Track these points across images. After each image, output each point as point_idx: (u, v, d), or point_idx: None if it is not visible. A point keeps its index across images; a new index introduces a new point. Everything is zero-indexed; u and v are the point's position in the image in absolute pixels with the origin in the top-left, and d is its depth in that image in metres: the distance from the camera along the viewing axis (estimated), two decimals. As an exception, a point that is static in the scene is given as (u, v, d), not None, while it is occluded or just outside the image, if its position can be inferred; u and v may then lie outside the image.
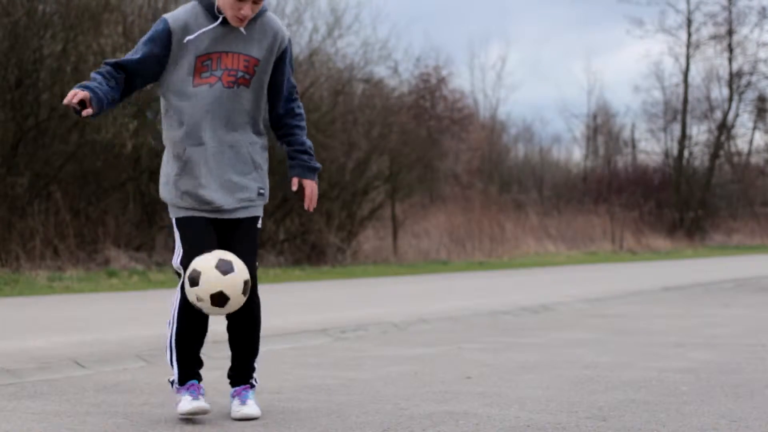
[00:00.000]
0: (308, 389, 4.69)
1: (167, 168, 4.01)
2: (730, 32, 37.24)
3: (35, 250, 14.06)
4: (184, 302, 3.92)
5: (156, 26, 3.93)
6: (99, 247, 15.05)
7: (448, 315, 8.71)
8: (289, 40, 4.07)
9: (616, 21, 59.95)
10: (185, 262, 3.87)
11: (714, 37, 37.53)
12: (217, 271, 3.70)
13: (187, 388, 3.98)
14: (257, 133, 4.04)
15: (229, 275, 3.71)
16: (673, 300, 11.08)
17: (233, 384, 4.07)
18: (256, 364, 4.10)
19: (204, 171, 3.92)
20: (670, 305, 10.27)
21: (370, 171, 20.36)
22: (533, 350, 6.29)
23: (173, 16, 3.92)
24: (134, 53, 3.94)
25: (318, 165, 4.12)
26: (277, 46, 3.99)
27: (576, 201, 33.14)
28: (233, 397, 4.04)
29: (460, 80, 53.51)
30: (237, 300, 3.76)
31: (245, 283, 3.77)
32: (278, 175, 18.15)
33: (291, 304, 9.60)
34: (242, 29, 3.91)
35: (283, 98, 4.06)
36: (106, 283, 12.57)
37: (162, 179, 4.03)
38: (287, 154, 4.12)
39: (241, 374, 4.06)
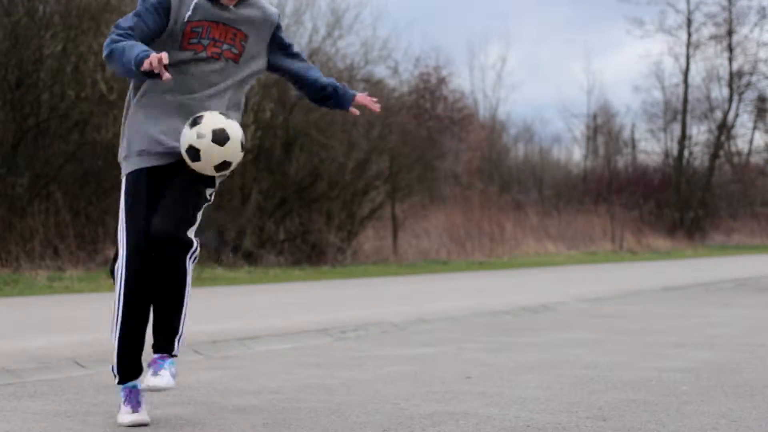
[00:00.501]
0: (308, 389, 4.70)
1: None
2: (730, 32, 37.25)
3: (35, 250, 14.06)
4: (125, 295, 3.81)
5: None
6: (99, 247, 15.04)
7: (448, 315, 8.71)
8: (279, 16, 4.10)
9: (615, 21, 59.98)
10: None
11: (714, 37, 37.55)
12: (215, 145, 3.70)
13: (127, 396, 3.86)
14: (237, 106, 4.02)
15: (227, 144, 3.71)
16: (673, 300, 11.08)
17: (153, 350, 3.83)
18: (183, 330, 3.86)
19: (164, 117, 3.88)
20: (670, 305, 10.27)
21: (370, 171, 20.37)
22: (533, 350, 6.29)
23: None
24: (138, 20, 3.84)
25: (349, 89, 4.26)
26: (267, 25, 4.02)
27: (576, 201, 33.14)
28: (149, 366, 3.81)
29: (460, 80, 53.49)
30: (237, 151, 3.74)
31: (243, 140, 3.77)
32: (278, 176, 18.21)
33: (291, 304, 9.60)
34: (231, 6, 3.92)
35: (294, 58, 4.14)
36: (106, 283, 12.56)
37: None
38: (325, 95, 4.20)
39: (162, 341, 3.82)
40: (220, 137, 3.70)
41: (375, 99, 4.27)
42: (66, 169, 15.22)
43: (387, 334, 7.42)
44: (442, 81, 32.55)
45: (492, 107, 37.99)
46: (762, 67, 37.62)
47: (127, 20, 3.85)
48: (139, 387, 3.86)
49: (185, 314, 3.86)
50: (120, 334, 3.85)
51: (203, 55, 3.89)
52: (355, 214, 20.11)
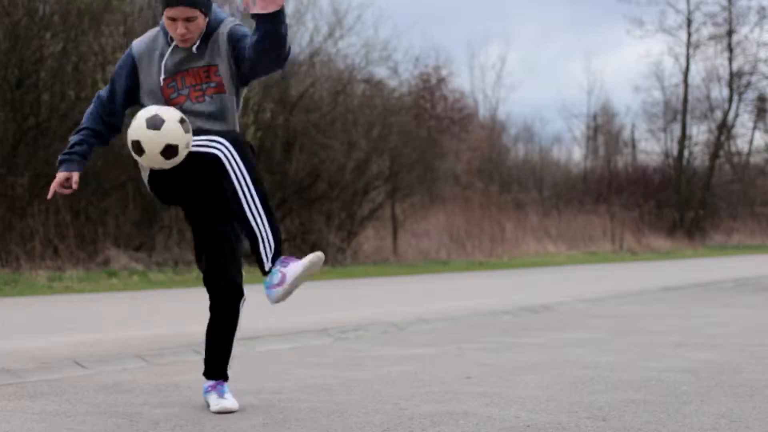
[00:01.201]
0: (308, 389, 4.69)
1: None
2: (730, 32, 37.25)
3: (35, 250, 14.06)
4: None
5: (123, 56, 4.09)
6: (99, 247, 15.05)
7: (448, 315, 8.71)
8: (231, 26, 4.00)
9: (615, 21, 59.97)
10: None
11: (714, 37, 37.55)
12: (151, 131, 3.76)
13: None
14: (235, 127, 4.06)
15: (163, 126, 3.75)
16: (673, 300, 11.08)
17: (208, 377, 4.27)
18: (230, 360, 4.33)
19: None
20: (670, 305, 10.27)
21: (370, 171, 20.37)
22: (533, 350, 6.29)
23: (137, 44, 4.06)
24: (107, 91, 4.13)
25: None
26: (229, 41, 3.97)
27: (576, 201, 33.14)
28: (208, 391, 4.24)
29: (460, 80, 53.52)
30: (184, 140, 3.78)
31: (181, 122, 3.78)
32: (278, 176, 18.21)
33: (291, 304, 9.56)
34: (193, 49, 3.96)
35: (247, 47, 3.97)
36: (106, 283, 12.57)
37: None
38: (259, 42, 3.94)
39: (217, 367, 4.29)
40: (154, 122, 3.74)
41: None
42: (66, 169, 15.20)
43: (387, 334, 7.42)
44: (442, 81, 32.57)
45: (492, 107, 38.01)
46: (762, 67, 37.64)
47: (104, 90, 4.15)
48: (211, 408, 4.16)
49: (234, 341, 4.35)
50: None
51: (188, 104, 3.96)
52: (355, 214, 20.11)
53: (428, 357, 5.97)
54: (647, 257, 26.18)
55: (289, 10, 18.85)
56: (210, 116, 3.98)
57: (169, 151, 3.74)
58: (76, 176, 4.08)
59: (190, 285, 12.64)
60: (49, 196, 4.12)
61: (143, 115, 3.78)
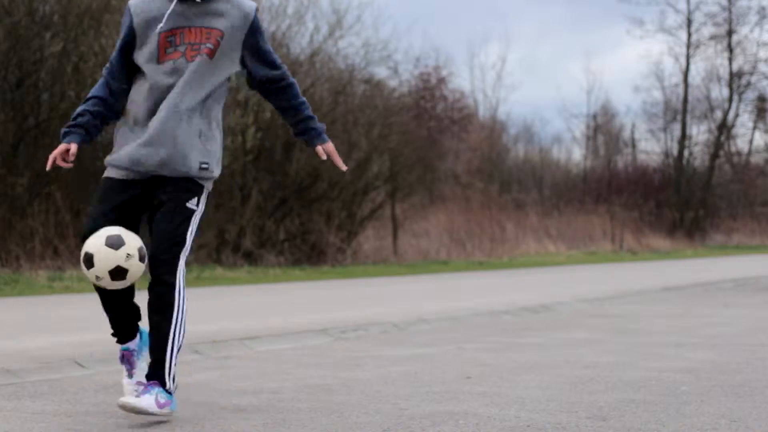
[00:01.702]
0: (308, 389, 4.69)
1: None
2: (730, 32, 37.26)
3: (35, 250, 14.06)
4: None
5: (123, 17, 4.05)
6: (99, 247, 15.03)
7: (448, 315, 8.71)
8: (256, 10, 4.06)
9: (615, 21, 59.97)
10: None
11: (714, 37, 37.56)
12: (108, 248, 3.77)
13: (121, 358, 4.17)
14: (217, 111, 4.04)
15: (121, 248, 3.77)
16: (673, 300, 11.08)
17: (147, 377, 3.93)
18: (171, 363, 3.86)
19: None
20: (670, 305, 10.27)
21: (371, 171, 20.37)
22: (533, 350, 6.29)
23: (134, 2, 4.01)
24: (114, 52, 4.09)
25: (322, 125, 4.19)
26: (242, 19, 3.98)
27: (576, 201, 33.15)
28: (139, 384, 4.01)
29: (460, 80, 53.54)
30: (137, 270, 3.81)
31: (139, 250, 3.80)
32: (278, 176, 18.20)
33: (291, 304, 9.59)
34: (200, 1, 3.93)
35: (264, 65, 4.06)
36: (106, 283, 12.56)
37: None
38: (290, 124, 4.21)
39: (151, 368, 3.90)
40: (114, 241, 3.79)
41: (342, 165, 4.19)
42: (66, 169, 15.22)
43: (387, 334, 7.42)
44: (441, 81, 32.57)
45: (492, 107, 38.03)
46: (762, 67, 37.66)
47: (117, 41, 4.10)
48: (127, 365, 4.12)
49: (174, 345, 3.88)
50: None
51: (182, 61, 3.93)
52: (355, 214, 20.11)
53: (428, 357, 5.97)
54: (647, 257, 26.18)
55: (289, 10, 18.86)
56: (194, 81, 3.91)
57: (119, 273, 3.79)
58: (74, 147, 3.97)
59: (189, 285, 12.63)
60: (48, 166, 3.99)
61: (105, 232, 3.83)
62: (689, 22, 37.20)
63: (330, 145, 4.17)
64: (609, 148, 38.99)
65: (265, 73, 4.08)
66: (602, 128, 39.46)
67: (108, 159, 4.05)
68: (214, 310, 8.71)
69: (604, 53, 52.71)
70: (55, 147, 4.09)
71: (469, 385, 4.80)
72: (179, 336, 3.88)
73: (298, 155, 18.33)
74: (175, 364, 3.88)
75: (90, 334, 6.84)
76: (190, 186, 3.96)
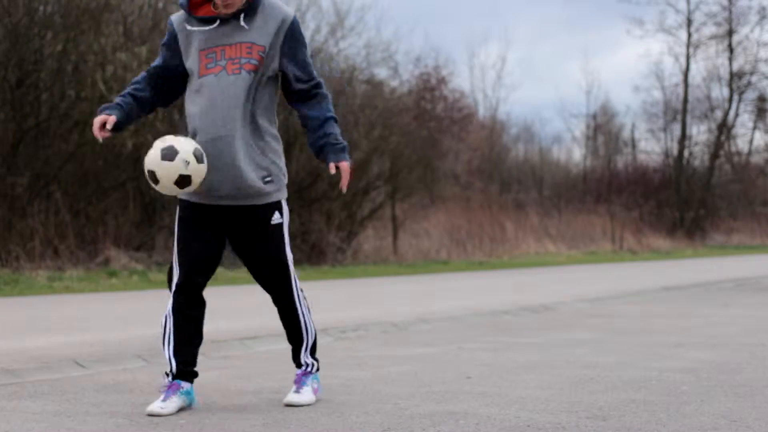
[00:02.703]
0: (308, 389, 4.69)
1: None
2: (730, 32, 37.26)
3: (35, 250, 14.06)
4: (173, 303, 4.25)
5: (167, 31, 4.18)
6: (99, 247, 15.05)
7: (448, 315, 8.71)
8: (295, 18, 4.10)
9: (614, 20, 59.98)
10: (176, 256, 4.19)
11: (714, 37, 37.57)
12: (165, 162, 3.86)
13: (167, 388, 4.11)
14: (267, 122, 4.09)
15: (176, 158, 3.85)
16: (673, 300, 11.08)
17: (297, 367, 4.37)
18: (306, 353, 4.32)
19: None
20: (670, 305, 10.27)
21: (371, 171, 20.38)
22: (533, 350, 6.29)
23: (177, 18, 4.14)
24: (159, 55, 4.21)
25: (344, 144, 4.17)
26: (282, 29, 4.05)
27: (576, 201, 33.15)
28: (294, 383, 4.32)
29: (460, 80, 53.55)
30: (200, 172, 3.90)
31: (195, 152, 3.88)
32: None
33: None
34: (242, 23, 4.01)
35: (296, 79, 4.11)
36: (106, 283, 12.58)
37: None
38: (309, 143, 4.22)
39: (294, 359, 4.35)
40: (168, 153, 3.85)
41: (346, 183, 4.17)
42: (66, 169, 15.23)
43: (387, 334, 7.42)
44: (442, 81, 32.55)
45: (492, 107, 38.02)
46: (762, 67, 37.66)
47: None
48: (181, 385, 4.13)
49: (307, 334, 4.35)
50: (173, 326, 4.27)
51: (223, 74, 4.00)
52: (355, 214, 20.11)
53: (428, 357, 5.97)
54: (647, 257, 26.18)
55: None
56: (237, 99, 3.98)
57: (184, 181, 3.86)
58: (112, 118, 4.03)
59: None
60: (99, 136, 4.09)
61: (158, 145, 3.89)
62: (689, 22, 37.22)
63: (345, 164, 4.13)
64: (609, 148, 38.99)
65: (298, 85, 4.12)
66: (602, 128, 39.46)
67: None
68: (214, 310, 8.69)
69: (603, 53, 52.74)
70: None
71: (469, 385, 4.80)
72: (310, 331, 4.35)
73: (298, 155, 18.34)
74: (314, 350, 4.36)
75: (90, 334, 6.84)
76: (266, 205, 4.09)
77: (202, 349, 4.45)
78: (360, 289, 12.64)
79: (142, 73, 4.20)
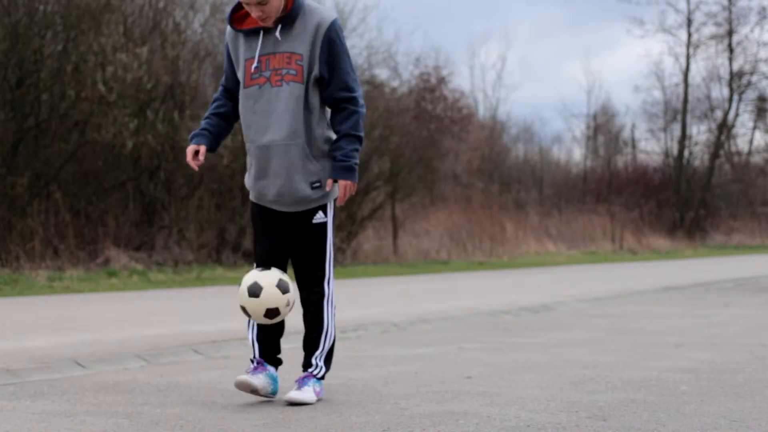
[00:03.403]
0: (308, 389, 4.69)
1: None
2: (731, 32, 37.25)
3: (35, 250, 14.06)
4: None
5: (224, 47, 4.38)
6: (99, 247, 15.05)
7: (448, 315, 8.71)
8: (333, 23, 4.14)
9: (614, 20, 59.97)
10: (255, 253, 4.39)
11: (714, 37, 37.56)
12: (277, 290, 4.10)
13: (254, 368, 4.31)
14: (323, 127, 4.20)
15: (286, 294, 4.11)
16: (673, 300, 11.08)
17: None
18: (320, 356, 4.33)
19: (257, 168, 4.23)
20: (670, 305, 10.27)
21: (371, 171, 20.38)
22: (533, 350, 6.29)
23: (228, 34, 4.31)
24: (225, 69, 4.39)
25: (351, 163, 4.20)
26: (318, 34, 4.12)
27: (576, 201, 33.15)
28: (295, 382, 4.34)
29: (460, 80, 53.55)
30: (284, 315, 4.17)
31: (292, 301, 4.16)
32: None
33: (291, 304, 9.57)
34: (277, 34, 4.12)
35: (330, 87, 4.17)
36: (106, 283, 12.58)
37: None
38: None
39: (304, 362, 4.37)
40: (253, 290, 4.12)
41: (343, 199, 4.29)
42: (66, 169, 15.23)
43: (387, 334, 7.42)
44: (442, 81, 32.53)
45: (492, 107, 38.02)
46: (762, 66, 37.65)
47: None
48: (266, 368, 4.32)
49: (325, 337, 4.35)
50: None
51: (267, 86, 4.14)
52: (355, 214, 20.11)
53: (428, 357, 5.97)
54: (647, 257, 26.18)
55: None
56: (283, 112, 4.11)
57: (271, 313, 4.11)
58: (203, 148, 4.25)
59: (190, 285, 12.65)
60: (193, 165, 4.25)
61: (245, 282, 4.13)
62: (689, 22, 37.22)
63: (344, 183, 4.18)
64: (609, 148, 38.99)
65: (331, 93, 4.17)
66: (602, 128, 39.45)
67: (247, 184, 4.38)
68: (214, 310, 8.71)
69: (603, 53, 52.75)
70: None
71: (469, 385, 4.81)
72: (329, 337, 4.35)
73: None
74: (330, 357, 4.38)
75: (90, 334, 6.84)
76: (312, 208, 4.24)
77: (202, 349, 4.47)
78: (360, 289, 12.64)
79: (219, 89, 4.38)
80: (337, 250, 19.05)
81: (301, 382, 4.28)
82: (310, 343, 4.34)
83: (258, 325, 4.32)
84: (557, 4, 56.08)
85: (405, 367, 5.51)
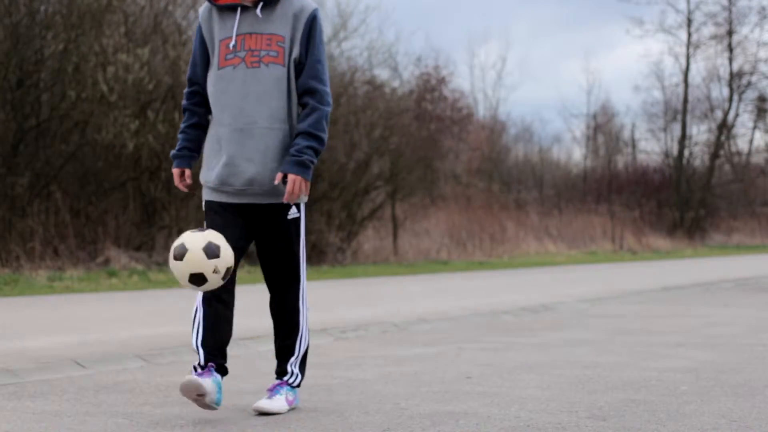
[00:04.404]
0: (308, 389, 4.70)
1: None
2: (730, 32, 37.24)
3: (35, 250, 14.06)
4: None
5: (196, 28, 4.22)
6: (99, 247, 15.05)
7: (448, 315, 8.71)
8: (316, 12, 4.02)
9: (614, 20, 59.97)
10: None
11: (714, 37, 37.56)
12: (203, 253, 3.75)
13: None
14: (287, 115, 4.01)
15: (213, 260, 3.76)
16: (673, 300, 11.08)
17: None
18: (296, 363, 4.18)
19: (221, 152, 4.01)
20: (670, 305, 10.27)
21: (371, 171, 20.38)
22: (533, 350, 6.29)
23: (201, 12, 4.11)
24: (192, 58, 4.16)
25: (305, 158, 3.97)
26: (301, 19, 3.99)
27: (576, 201, 33.14)
28: (267, 390, 4.17)
29: (460, 80, 53.55)
30: (214, 283, 3.82)
31: (227, 270, 3.81)
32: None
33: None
34: (258, 12, 3.95)
35: (303, 74, 4.00)
36: (106, 283, 12.57)
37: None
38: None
39: (278, 369, 4.22)
40: (178, 252, 3.78)
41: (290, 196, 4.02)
42: (66, 169, 15.23)
43: (387, 334, 7.42)
44: (442, 81, 32.52)
45: (492, 107, 38.02)
46: (762, 67, 37.65)
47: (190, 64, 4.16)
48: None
49: (300, 341, 4.23)
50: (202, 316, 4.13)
51: (242, 67, 3.95)
52: (355, 214, 20.11)
53: (428, 357, 5.97)
54: (647, 257, 26.18)
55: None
56: (263, 94, 3.93)
57: (196, 278, 3.77)
58: (188, 172, 4.12)
59: (190, 285, 12.62)
60: (183, 188, 4.13)
61: (175, 242, 3.84)
62: (689, 22, 37.21)
63: (293, 177, 3.92)
64: (609, 148, 38.98)
65: (304, 80, 4.00)
66: (602, 128, 39.45)
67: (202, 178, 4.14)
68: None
69: (603, 53, 52.74)
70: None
71: (469, 385, 4.81)
72: (304, 341, 4.24)
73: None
74: (304, 363, 4.23)
75: (90, 334, 6.84)
76: (285, 202, 4.00)
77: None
78: (360, 289, 12.64)
79: (186, 93, 4.13)
80: (337, 250, 19.05)
81: (273, 391, 4.10)
82: (285, 350, 4.15)
83: (203, 329, 4.02)
84: (557, 4, 56.10)
85: (405, 367, 5.51)
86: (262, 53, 3.94)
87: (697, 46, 37.51)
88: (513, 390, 4.65)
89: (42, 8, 15.10)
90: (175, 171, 4.10)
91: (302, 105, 4.04)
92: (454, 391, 4.64)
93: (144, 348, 6.10)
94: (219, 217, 4.02)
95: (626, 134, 39.63)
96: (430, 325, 7.99)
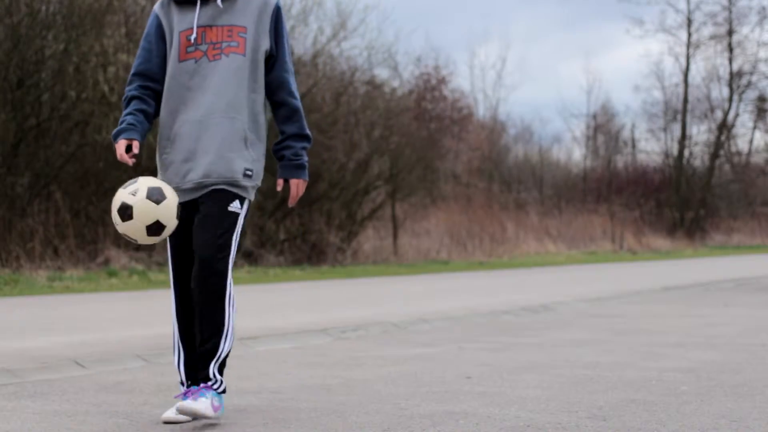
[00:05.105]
0: (308, 389, 4.70)
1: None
2: (730, 32, 37.26)
3: (35, 250, 14.06)
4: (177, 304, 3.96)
5: (149, 21, 3.99)
6: (99, 247, 15.05)
7: (448, 315, 8.71)
8: (279, 4, 3.95)
9: (614, 20, 59.97)
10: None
11: (714, 37, 37.57)
12: (149, 201, 3.69)
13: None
14: (259, 113, 3.97)
15: (162, 203, 3.70)
16: (673, 300, 11.08)
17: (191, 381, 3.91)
18: (215, 366, 3.85)
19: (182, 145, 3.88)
20: (670, 305, 10.27)
21: (371, 171, 20.38)
22: (533, 350, 6.29)
23: (159, 4, 3.96)
24: (138, 57, 3.96)
25: (302, 161, 4.02)
26: (265, 11, 3.91)
27: (576, 201, 33.15)
28: (186, 394, 3.85)
29: (460, 80, 53.54)
30: (172, 226, 3.75)
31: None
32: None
33: (291, 304, 9.60)
34: (219, 2, 3.86)
35: (276, 66, 3.95)
36: (106, 283, 12.57)
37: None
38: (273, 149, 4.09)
39: (201, 375, 3.87)
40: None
41: (294, 200, 4.09)
42: (66, 169, 15.23)
43: (387, 334, 7.42)
44: (442, 81, 32.55)
45: (492, 107, 38.02)
46: (762, 66, 37.67)
47: (137, 56, 3.97)
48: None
49: (225, 340, 3.90)
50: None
51: (204, 60, 3.86)
52: (355, 214, 20.11)
53: (428, 357, 5.97)
54: (647, 257, 26.18)
55: (294, 10, 18.84)
56: (221, 84, 3.84)
57: (153, 229, 3.70)
58: (136, 142, 3.82)
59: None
60: (128, 161, 3.82)
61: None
62: (689, 22, 37.22)
63: (296, 182, 3.99)
64: (609, 148, 38.99)
65: (278, 72, 3.94)
66: (602, 128, 39.45)
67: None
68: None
69: (603, 53, 52.74)
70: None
71: (469, 385, 4.81)
72: (228, 341, 3.89)
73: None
74: (223, 366, 3.89)
75: (90, 334, 6.84)
76: (231, 193, 3.86)
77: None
78: (360, 289, 12.64)
79: (133, 83, 3.94)
80: (337, 250, 19.05)
81: (197, 393, 3.78)
82: (206, 353, 3.83)
83: (183, 349, 3.90)
84: (558, 4, 56.09)
85: (405, 367, 5.51)
86: (224, 45, 3.86)
87: (697, 46, 37.55)
88: (513, 390, 4.65)
89: (43, 8, 15.10)
90: (122, 143, 3.79)
91: (278, 101, 4.00)
92: (454, 391, 4.64)
93: (144, 348, 6.10)
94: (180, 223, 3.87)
95: (626, 134, 39.68)
96: (430, 325, 7.99)
